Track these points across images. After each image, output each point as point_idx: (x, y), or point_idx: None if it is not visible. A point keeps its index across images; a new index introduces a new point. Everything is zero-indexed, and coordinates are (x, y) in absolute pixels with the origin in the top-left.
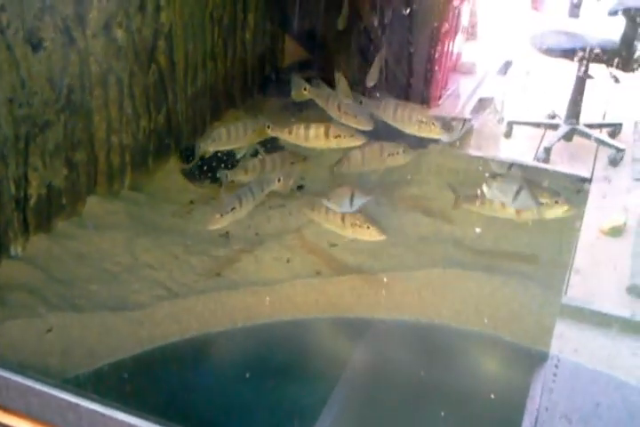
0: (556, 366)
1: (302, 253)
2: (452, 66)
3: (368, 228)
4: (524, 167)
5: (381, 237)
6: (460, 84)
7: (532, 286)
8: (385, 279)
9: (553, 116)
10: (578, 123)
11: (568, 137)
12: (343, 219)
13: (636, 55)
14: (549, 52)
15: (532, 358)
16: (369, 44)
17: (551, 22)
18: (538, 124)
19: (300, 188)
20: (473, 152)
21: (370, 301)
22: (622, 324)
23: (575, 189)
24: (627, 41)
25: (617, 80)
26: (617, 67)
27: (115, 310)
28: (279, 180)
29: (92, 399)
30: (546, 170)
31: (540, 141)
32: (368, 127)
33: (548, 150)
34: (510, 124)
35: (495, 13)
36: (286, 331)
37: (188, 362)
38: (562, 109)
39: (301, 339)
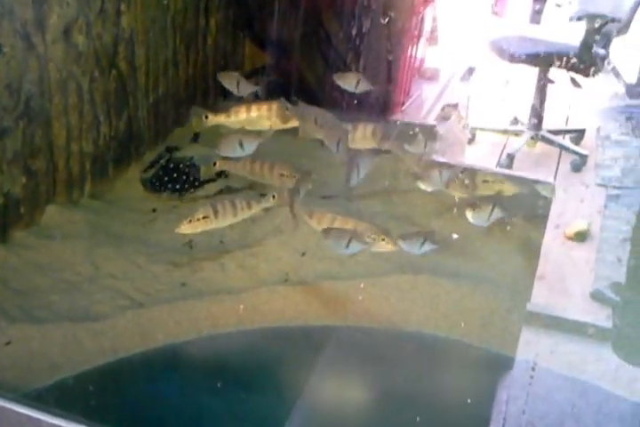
0: (522, 372)
1: (268, 260)
2: (415, 72)
3: (383, 240)
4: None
5: (395, 249)
6: (424, 91)
7: (500, 291)
8: (353, 286)
9: (516, 122)
10: (541, 129)
11: (531, 143)
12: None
13: (595, 60)
14: (509, 57)
15: (500, 365)
16: (331, 50)
17: (512, 28)
18: (501, 131)
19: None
20: (438, 158)
21: (338, 308)
22: (586, 329)
23: (541, 196)
24: (587, 46)
25: (577, 85)
26: (578, 72)
27: (76, 322)
28: (274, 197)
29: (54, 414)
30: (510, 176)
31: (504, 148)
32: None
33: (511, 157)
34: (474, 131)
35: (456, 18)
36: (252, 340)
37: (152, 373)
38: (525, 115)
39: (267, 348)
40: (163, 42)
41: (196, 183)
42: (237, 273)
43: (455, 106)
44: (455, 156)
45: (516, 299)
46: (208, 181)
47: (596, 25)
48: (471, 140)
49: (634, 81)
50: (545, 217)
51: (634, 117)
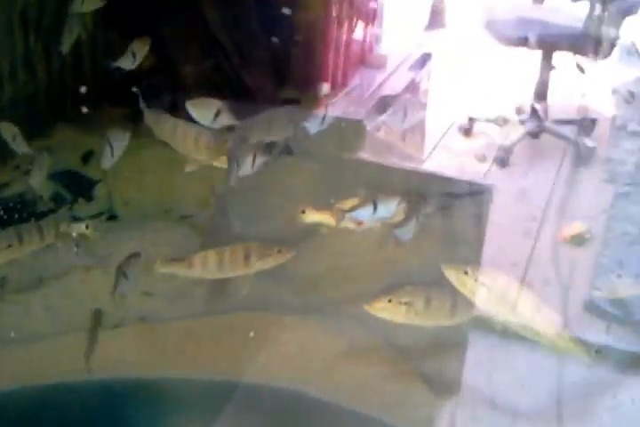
0: None
1: (84, 300)
2: (355, 59)
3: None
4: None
5: None
6: (367, 81)
7: (356, 329)
8: (179, 328)
9: (520, 112)
10: (544, 119)
11: (534, 134)
12: None
13: (603, 42)
14: (507, 39)
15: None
16: (216, 42)
17: (513, 7)
18: (499, 121)
19: (112, 218)
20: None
21: (155, 356)
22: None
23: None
24: (592, 27)
25: (582, 70)
26: (584, 55)
27: None
28: (87, 227)
29: None
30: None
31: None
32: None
33: (508, 150)
34: (470, 122)
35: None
36: (42, 399)
37: None
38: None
39: (59, 409)
40: (8, 42)
41: (32, 218)
42: (42, 316)
43: (394, 97)
44: (383, 155)
45: (375, 337)
46: (47, 214)
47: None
48: (468, 132)
49: None
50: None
51: None
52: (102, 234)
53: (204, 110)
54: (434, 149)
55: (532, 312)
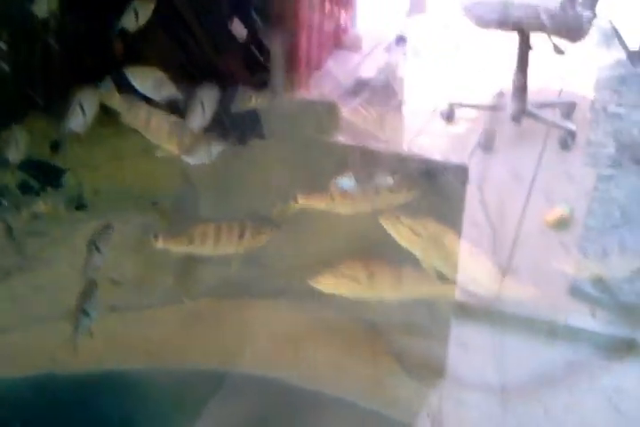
0: None
1: (50, 289)
2: (330, 41)
3: None
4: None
5: None
6: (341, 63)
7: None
8: (145, 318)
9: (501, 96)
10: (525, 102)
11: (516, 119)
12: None
13: (579, 23)
14: (484, 22)
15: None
16: (187, 28)
17: None
18: (481, 106)
19: (80, 207)
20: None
21: (124, 346)
22: (560, 331)
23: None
24: (568, 7)
25: (560, 51)
26: (562, 37)
27: None
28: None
29: None
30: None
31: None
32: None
33: (490, 134)
34: (452, 107)
35: None
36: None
37: None
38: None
39: (24, 403)
40: None
41: None
42: (5, 307)
43: (368, 81)
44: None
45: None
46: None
47: None
48: (450, 118)
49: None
50: None
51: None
52: (70, 223)
53: (144, 79)
54: (416, 134)
55: (466, 257)
